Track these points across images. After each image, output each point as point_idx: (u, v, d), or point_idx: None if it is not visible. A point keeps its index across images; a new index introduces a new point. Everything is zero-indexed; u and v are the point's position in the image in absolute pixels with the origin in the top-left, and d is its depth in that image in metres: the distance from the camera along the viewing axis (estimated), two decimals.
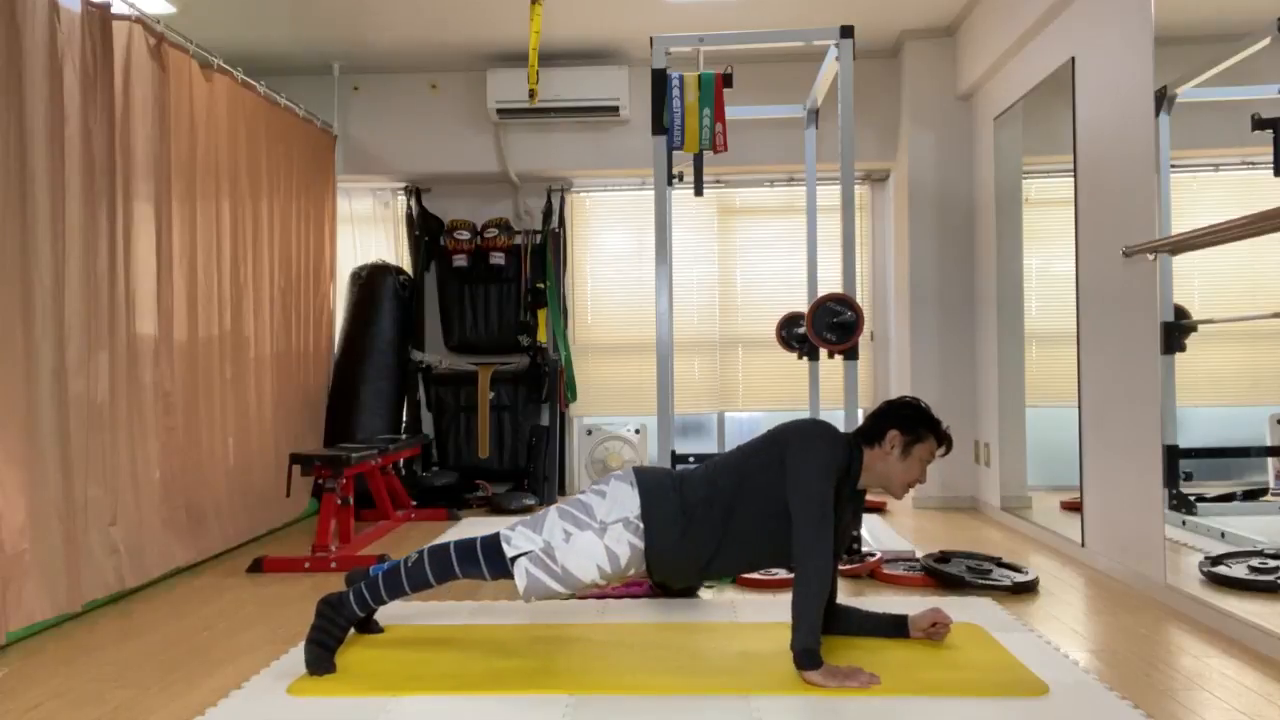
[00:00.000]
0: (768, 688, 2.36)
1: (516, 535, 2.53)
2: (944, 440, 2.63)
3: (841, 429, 3.50)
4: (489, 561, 2.52)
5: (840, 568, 3.36)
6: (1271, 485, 3.16)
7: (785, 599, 3.20)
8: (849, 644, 2.66)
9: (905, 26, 5.26)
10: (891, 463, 2.60)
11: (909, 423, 2.60)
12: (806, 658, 2.36)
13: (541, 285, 5.85)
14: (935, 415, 2.65)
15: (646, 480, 2.59)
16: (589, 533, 2.50)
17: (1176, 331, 3.19)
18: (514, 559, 2.51)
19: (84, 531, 3.27)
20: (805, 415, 5.36)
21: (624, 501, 2.54)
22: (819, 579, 2.39)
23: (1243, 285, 3.06)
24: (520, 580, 2.49)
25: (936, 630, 2.70)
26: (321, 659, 2.50)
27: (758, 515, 2.54)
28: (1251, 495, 3.22)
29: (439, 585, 2.58)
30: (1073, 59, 3.90)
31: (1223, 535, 3.12)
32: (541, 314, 5.85)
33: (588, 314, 6.09)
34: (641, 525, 2.51)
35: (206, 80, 4.21)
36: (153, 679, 2.57)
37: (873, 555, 3.65)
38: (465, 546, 2.55)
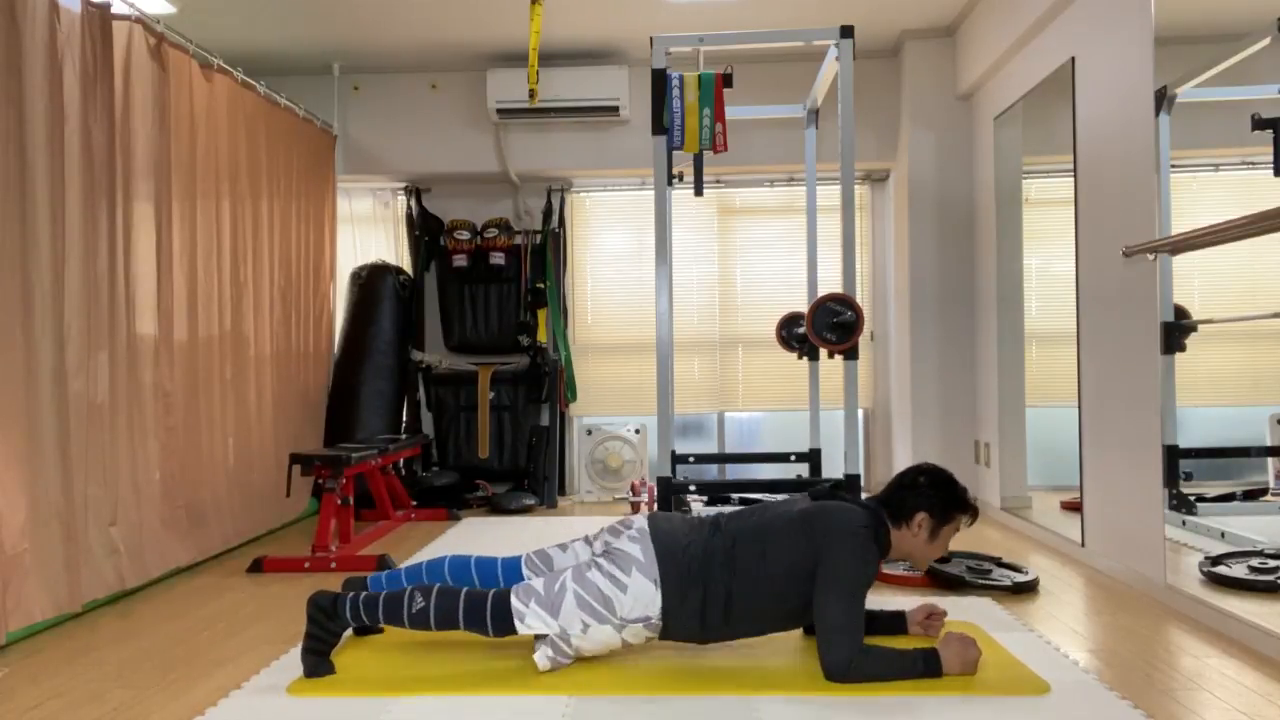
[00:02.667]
0: (768, 688, 2.36)
1: (530, 613, 2.45)
2: (971, 513, 2.57)
3: (842, 429, 3.48)
4: (496, 625, 2.47)
5: None
6: (1271, 485, 3.16)
7: None
8: None
9: (905, 26, 5.26)
10: (918, 544, 2.55)
11: (938, 506, 2.52)
12: (930, 667, 2.36)
13: (541, 285, 5.85)
14: (962, 489, 2.58)
15: (670, 580, 2.46)
16: (608, 627, 2.45)
17: (1176, 331, 3.19)
18: (534, 635, 2.48)
19: (84, 531, 3.27)
20: (806, 416, 5.34)
21: (646, 601, 2.45)
22: (862, 679, 2.35)
23: (1243, 285, 3.06)
24: (542, 664, 2.46)
25: (931, 623, 2.71)
26: (319, 665, 2.49)
27: (779, 609, 2.49)
28: (1251, 495, 3.21)
29: (438, 631, 2.54)
30: (1073, 59, 3.90)
31: (1223, 535, 3.12)
32: (541, 314, 5.85)
33: (588, 314, 6.09)
34: (662, 624, 2.47)
35: (206, 80, 4.21)
36: (153, 679, 2.57)
37: None
38: (474, 605, 2.48)
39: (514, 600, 2.47)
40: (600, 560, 2.52)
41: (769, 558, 2.46)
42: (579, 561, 2.66)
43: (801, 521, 2.49)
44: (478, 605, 2.48)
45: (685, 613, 2.46)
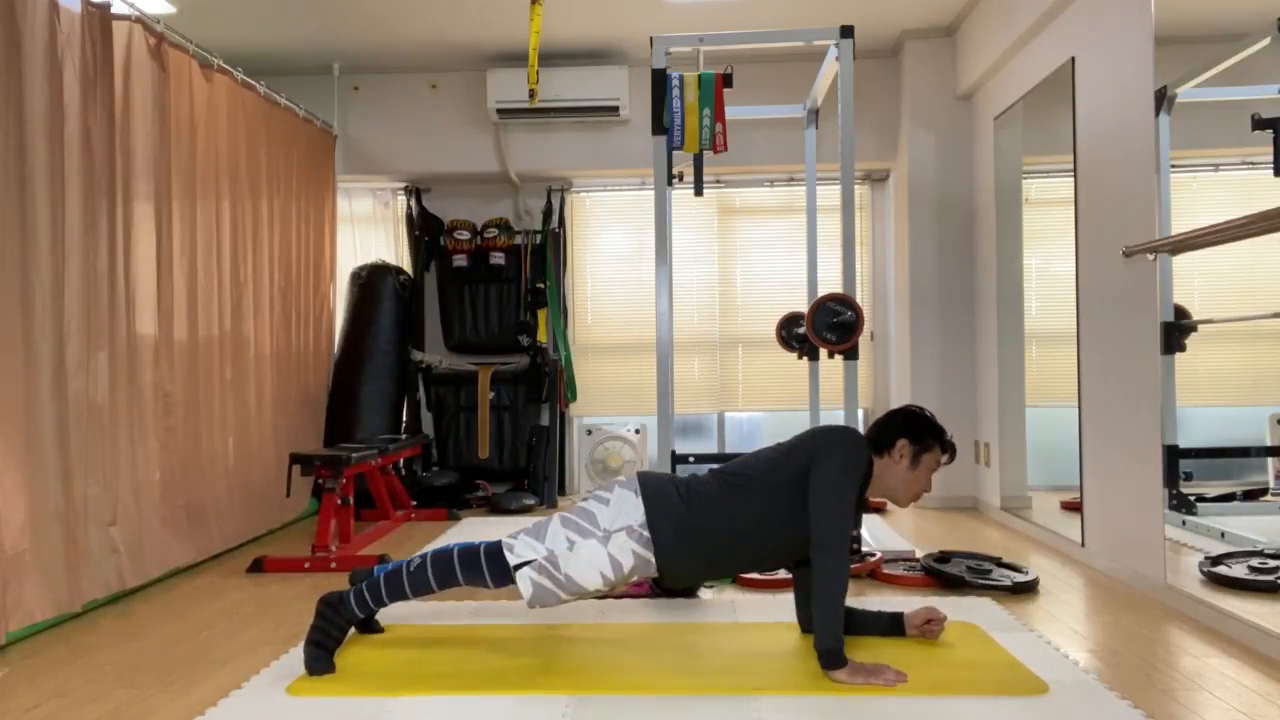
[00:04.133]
0: (768, 688, 2.36)
1: (519, 543, 2.53)
2: (949, 449, 2.67)
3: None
4: (492, 569, 2.52)
5: None
6: (1271, 485, 3.16)
7: (786, 598, 3.21)
8: (848, 644, 2.66)
9: (905, 26, 5.26)
10: (900, 472, 2.63)
11: (918, 432, 2.63)
12: (830, 658, 2.37)
13: (541, 285, 5.85)
14: (940, 424, 2.68)
15: (650, 486, 2.58)
16: (593, 540, 2.50)
17: (1176, 331, 3.19)
18: (517, 567, 2.50)
19: (84, 531, 3.27)
20: (806, 416, 5.36)
21: (628, 509, 2.53)
22: (839, 579, 2.40)
23: (1243, 285, 3.06)
24: (525, 589, 2.49)
25: (931, 628, 2.72)
26: (320, 659, 2.50)
27: (768, 517, 2.54)
28: (1251, 495, 3.21)
29: (440, 590, 2.58)
30: (1073, 59, 3.90)
31: (1223, 535, 3.12)
32: (541, 314, 5.85)
33: (588, 314, 6.09)
34: (646, 533, 2.51)
35: (206, 80, 4.21)
36: (153, 679, 2.57)
37: (873, 555, 3.65)
38: (468, 552, 2.55)
39: (504, 539, 2.56)
40: (588, 496, 2.65)
41: (756, 473, 2.59)
42: None
43: (793, 443, 2.64)
44: (472, 555, 2.55)
45: (670, 520, 2.51)
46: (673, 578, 2.63)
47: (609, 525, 2.51)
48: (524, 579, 2.48)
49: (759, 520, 2.54)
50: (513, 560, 2.50)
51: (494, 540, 2.57)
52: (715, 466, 2.73)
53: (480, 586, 2.56)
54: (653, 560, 2.54)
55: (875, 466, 2.62)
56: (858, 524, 2.79)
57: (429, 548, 4.20)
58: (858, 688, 2.32)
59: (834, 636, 2.37)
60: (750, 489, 2.56)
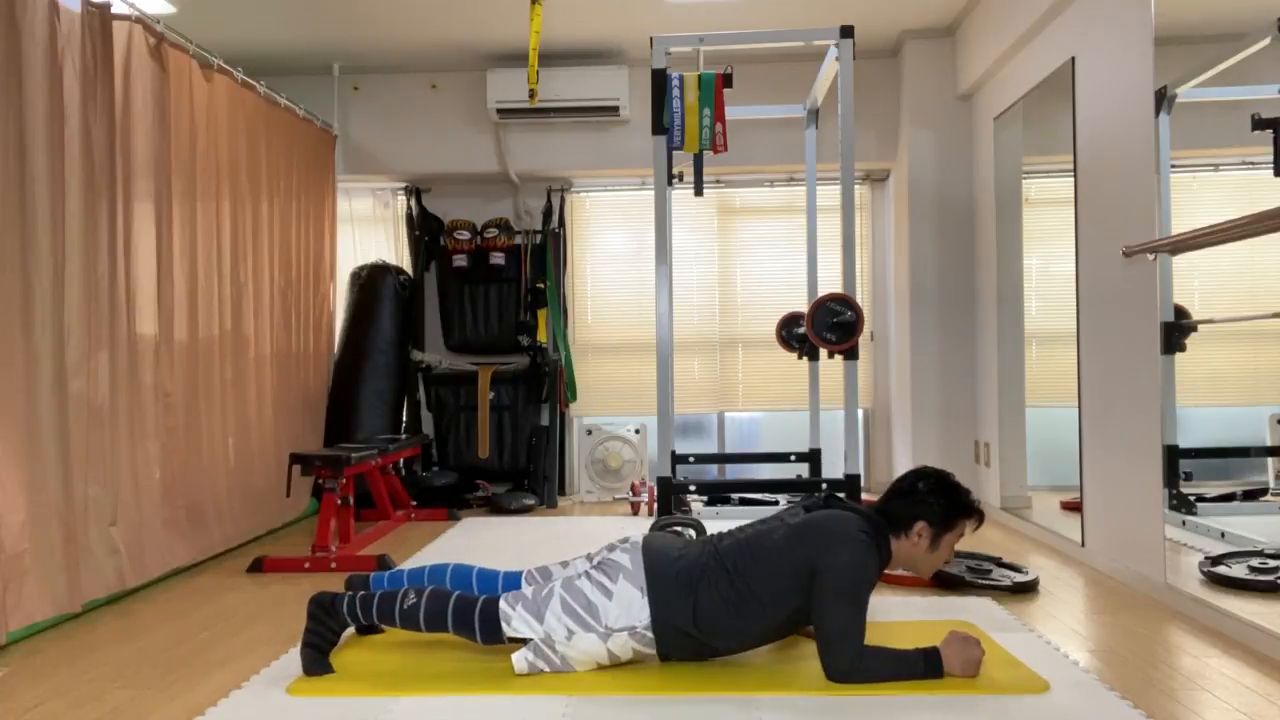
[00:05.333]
0: (768, 688, 2.36)
1: (516, 617, 2.45)
2: (976, 518, 2.48)
3: (842, 429, 3.47)
4: (484, 631, 2.46)
5: None
6: (1271, 485, 3.16)
7: None
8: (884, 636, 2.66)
9: (905, 26, 5.26)
10: (918, 554, 2.48)
11: (938, 514, 2.45)
12: (932, 668, 2.33)
13: (541, 285, 5.85)
14: (964, 492, 2.49)
15: (657, 586, 2.42)
16: (593, 635, 2.42)
17: (1176, 331, 3.18)
18: (512, 640, 2.47)
19: (84, 531, 3.27)
20: (806, 416, 5.35)
21: (634, 610, 2.42)
22: (865, 680, 2.32)
23: (1243, 285, 3.06)
24: (520, 667, 2.44)
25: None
26: (317, 661, 2.49)
27: (772, 625, 2.44)
28: (1251, 495, 3.21)
29: (428, 633, 2.53)
30: (1073, 59, 3.90)
31: (1223, 535, 3.11)
32: (541, 314, 5.85)
33: (588, 314, 6.09)
34: (649, 634, 2.43)
35: (206, 80, 4.21)
36: (153, 679, 2.57)
37: None
38: (463, 607, 2.48)
39: (502, 603, 2.47)
40: (591, 571, 2.51)
41: (764, 567, 2.41)
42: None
43: (798, 531, 2.43)
44: (467, 608, 2.48)
45: (676, 623, 2.41)
46: (671, 660, 2.55)
47: (611, 623, 2.42)
48: (520, 660, 2.43)
49: (764, 630, 2.45)
50: (508, 632, 2.45)
51: (491, 598, 2.50)
52: (725, 533, 2.58)
53: (467, 639, 2.51)
54: (654, 654, 2.49)
55: (893, 545, 2.47)
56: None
57: (426, 556, 4.21)
58: (877, 687, 2.31)
59: (909, 666, 2.32)
60: (757, 597, 2.40)
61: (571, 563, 2.72)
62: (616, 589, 2.43)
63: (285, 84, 5.52)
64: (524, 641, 2.47)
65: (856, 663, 2.31)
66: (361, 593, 2.58)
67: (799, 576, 2.38)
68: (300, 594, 3.49)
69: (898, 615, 3.07)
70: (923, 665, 2.35)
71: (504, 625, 2.45)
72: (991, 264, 4.99)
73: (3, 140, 2.96)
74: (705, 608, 2.41)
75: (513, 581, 2.75)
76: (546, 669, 2.44)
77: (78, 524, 3.23)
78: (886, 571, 3.51)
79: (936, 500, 2.46)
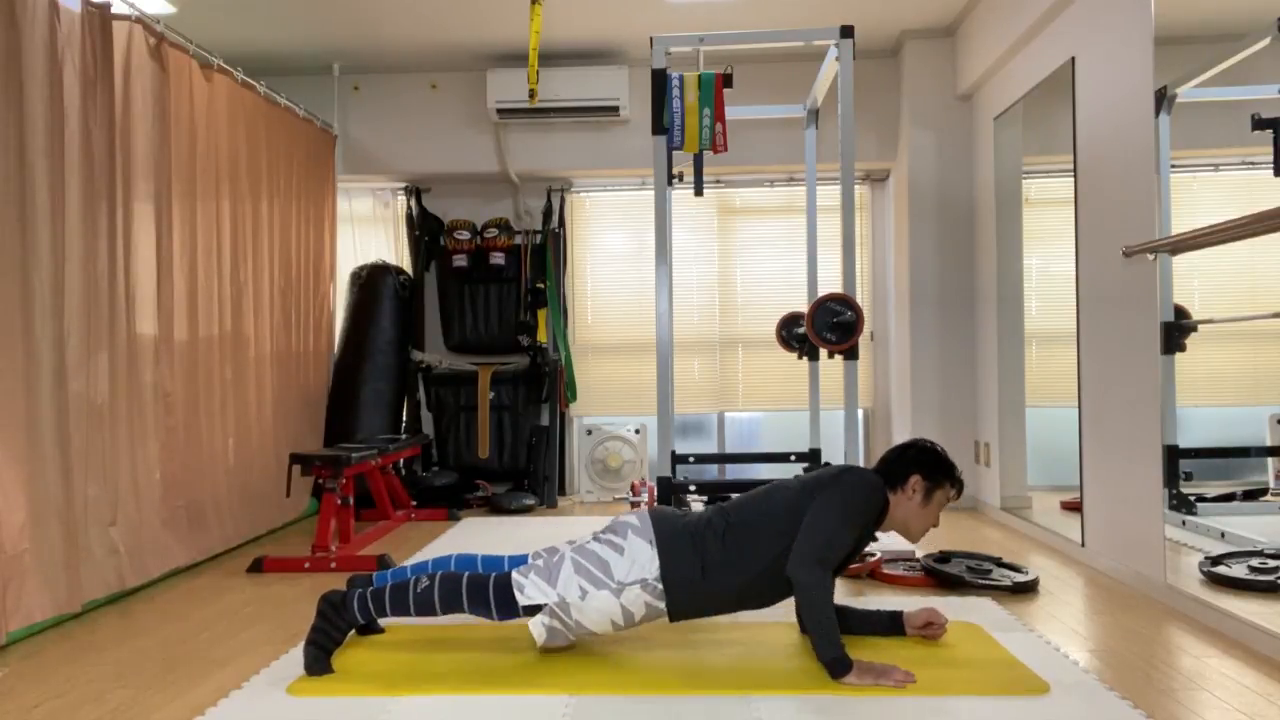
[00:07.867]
0: (768, 688, 2.36)
1: (529, 584, 2.51)
2: (958, 485, 2.70)
3: (842, 429, 3.51)
4: (499, 604, 2.51)
5: None
6: (1271, 485, 3.16)
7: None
8: (849, 644, 2.66)
9: (905, 26, 5.26)
10: (912, 508, 2.65)
11: (931, 469, 2.65)
12: (835, 666, 2.37)
13: (541, 285, 5.85)
14: (949, 458, 2.71)
15: (665, 538, 2.55)
16: (605, 592, 2.49)
17: (1176, 331, 3.19)
18: (527, 608, 2.50)
19: (84, 531, 3.27)
20: (806, 416, 5.36)
21: (642, 562, 2.51)
22: (818, 593, 2.41)
23: (1243, 285, 3.06)
24: (539, 635, 2.51)
25: (932, 631, 2.72)
26: (319, 660, 2.50)
27: (779, 563, 2.53)
28: (1251, 495, 3.21)
29: (443, 614, 2.55)
30: (1073, 59, 3.90)
31: (1223, 535, 3.12)
32: (541, 314, 5.85)
33: (588, 314, 6.09)
34: (660, 586, 2.50)
35: (206, 80, 4.21)
36: (153, 679, 2.57)
37: (873, 555, 3.65)
38: (477, 584, 2.52)
39: (515, 574, 2.53)
40: (600, 534, 2.61)
41: (769, 510, 2.56)
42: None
43: (807, 480, 2.63)
44: (481, 585, 2.53)
45: (684, 572, 2.50)
46: (682, 619, 2.62)
47: (623, 578, 2.50)
48: (537, 626, 2.50)
49: (773, 573, 2.54)
50: (523, 601, 2.50)
51: (504, 573, 2.55)
52: (731, 497, 2.72)
53: (484, 617, 2.55)
54: (665, 609, 2.55)
55: (889, 499, 2.64)
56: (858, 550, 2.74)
57: (426, 556, 4.21)
58: (860, 688, 2.32)
59: (831, 644, 2.38)
60: (754, 530, 2.55)
61: (578, 540, 2.75)
62: (627, 544, 2.55)
63: (285, 84, 5.52)
64: (539, 610, 2.51)
65: (819, 576, 2.42)
66: (371, 587, 2.60)
67: (795, 513, 2.53)
68: (300, 594, 3.49)
69: None
70: (837, 655, 2.37)
71: (518, 594, 2.49)
72: (991, 264, 4.99)
73: (3, 140, 2.96)
74: (710, 553, 2.53)
75: (519, 564, 2.77)
76: (562, 629, 2.50)
77: (78, 524, 3.23)
78: (886, 571, 3.53)
79: (928, 457, 2.68)
